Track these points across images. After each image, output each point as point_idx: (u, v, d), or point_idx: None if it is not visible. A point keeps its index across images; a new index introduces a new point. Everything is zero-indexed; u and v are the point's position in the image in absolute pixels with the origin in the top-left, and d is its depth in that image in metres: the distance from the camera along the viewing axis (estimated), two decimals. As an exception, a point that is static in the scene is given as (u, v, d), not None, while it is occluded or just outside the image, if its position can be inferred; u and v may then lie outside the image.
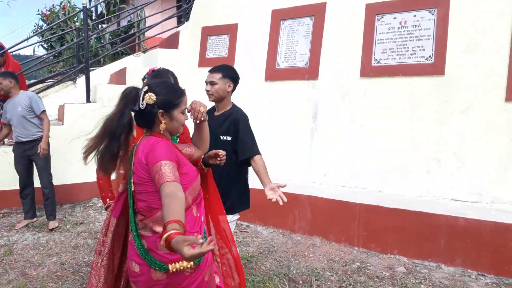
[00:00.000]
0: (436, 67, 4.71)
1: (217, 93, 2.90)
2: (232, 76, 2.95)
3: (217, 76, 2.87)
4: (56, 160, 5.35)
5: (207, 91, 2.92)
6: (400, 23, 4.97)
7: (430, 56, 4.75)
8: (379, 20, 5.12)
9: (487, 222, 3.78)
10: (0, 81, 4.90)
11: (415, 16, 4.89)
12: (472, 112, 4.55)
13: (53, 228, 4.94)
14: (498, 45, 4.49)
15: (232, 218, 2.86)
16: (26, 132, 4.92)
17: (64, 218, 5.40)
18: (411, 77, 4.85)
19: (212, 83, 2.88)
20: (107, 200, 2.65)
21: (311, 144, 5.48)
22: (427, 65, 4.76)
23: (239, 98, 6.27)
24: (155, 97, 1.85)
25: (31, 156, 4.98)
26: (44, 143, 4.89)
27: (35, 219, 5.18)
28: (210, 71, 2.94)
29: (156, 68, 2.81)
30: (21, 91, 5.10)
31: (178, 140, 2.41)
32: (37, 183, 5.07)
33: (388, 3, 5.10)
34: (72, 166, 5.70)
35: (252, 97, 6.07)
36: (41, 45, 11.04)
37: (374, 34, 5.13)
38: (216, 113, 2.99)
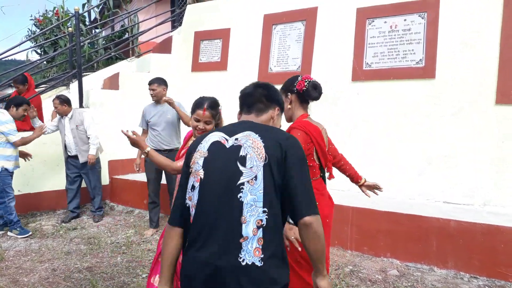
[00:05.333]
0: (426, 71, 4.74)
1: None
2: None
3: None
4: (50, 166, 5.34)
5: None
6: (391, 27, 5.01)
7: (420, 59, 4.79)
8: (370, 24, 5.16)
9: (479, 225, 3.80)
10: (155, 87, 4.88)
11: (405, 20, 4.93)
12: (463, 115, 4.59)
13: None
14: (488, 48, 4.54)
15: None
16: (169, 140, 4.94)
17: (57, 224, 5.37)
18: (402, 80, 4.89)
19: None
20: None
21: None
22: (418, 68, 4.80)
23: (232, 103, 6.29)
24: None
25: None
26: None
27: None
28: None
29: None
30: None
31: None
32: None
33: (378, 7, 5.14)
34: (65, 171, 5.67)
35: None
36: (35, 50, 11.00)
37: (365, 38, 5.17)
38: None
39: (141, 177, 5.44)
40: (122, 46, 10.09)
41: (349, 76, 5.27)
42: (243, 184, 1.47)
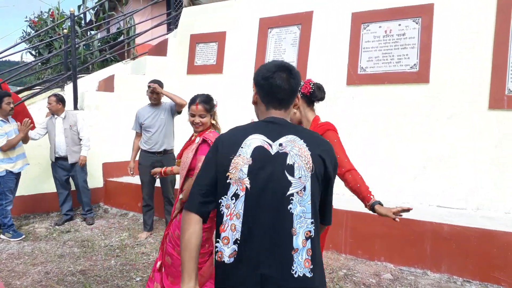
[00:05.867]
0: (421, 75, 4.78)
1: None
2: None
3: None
4: (43, 168, 5.31)
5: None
6: (386, 31, 5.04)
7: (415, 64, 4.82)
8: (364, 29, 5.20)
9: (473, 229, 3.82)
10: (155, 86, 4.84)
11: (400, 25, 4.96)
12: (457, 120, 4.62)
13: None
14: (481, 54, 4.58)
15: None
16: (163, 141, 4.93)
17: (50, 227, 5.33)
18: (396, 85, 4.92)
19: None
20: None
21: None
22: (412, 73, 4.83)
23: (228, 105, 6.31)
24: None
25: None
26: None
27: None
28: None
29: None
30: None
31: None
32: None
33: (373, 12, 5.18)
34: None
35: (240, 104, 6.10)
36: (29, 51, 10.96)
37: (360, 42, 5.20)
38: None
39: (135, 180, 5.43)
40: (118, 48, 10.07)
41: (344, 80, 5.29)
42: (292, 195, 1.44)
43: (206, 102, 2.90)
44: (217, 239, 1.49)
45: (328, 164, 1.52)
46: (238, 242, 1.44)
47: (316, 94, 2.55)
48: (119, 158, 6.36)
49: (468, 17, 4.69)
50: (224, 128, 6.91)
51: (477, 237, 3.77)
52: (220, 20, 6.76)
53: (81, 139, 5.39)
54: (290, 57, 5.80)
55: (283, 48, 5.90)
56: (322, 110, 5.37)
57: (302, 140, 1.51)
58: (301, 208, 1.44)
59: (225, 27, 6.65)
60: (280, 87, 1.57)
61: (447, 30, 4.77)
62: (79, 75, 7.77)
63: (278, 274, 1.41)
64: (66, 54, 7.93)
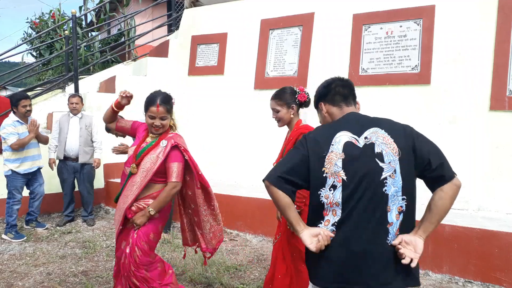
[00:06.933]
0: (422, 77, 4.79)
1: None
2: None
3: None
4: (44, 169, 5.31)
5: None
6: (387, 33, 5.05)
7: (416, 65, 4.83)
8: (366, 30, 5.21)
9: (474, 230, 3.83)
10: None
11: (401, 26, 4.98)
12: (458, 120, 4.63)
13: None
14: (482, 55, 4.59)
15: None
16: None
17: (52, 227, 5.34)
18: (398, 86, 4.92)
19: None
20: None
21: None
22: (414, 74, 4.84)
23: (229, 107, 6.32)
24: None
25: None
26: None
27: None
28: None
29: None
30: None
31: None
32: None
33: (374, 13, 5.19)
34: (60, 175, 5.64)
35: (241, 105, 6.11)
36: (30, 53, 10.98)
37: (361, 44, 5.21)
38: None
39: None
40: (119, 50, 10.09)
41: (345, 82, 5.30)
42: (386, 178, 1.69)
43: (167, 103, 2.67)
44: (320, 221, 1.76)
45: (412, 142, 1.75)
46: (336, 224, 1.72)
47: (308, 103, 2.85)
48: (120, 159, 6.35)
49: (469, 18, 4.70)
50: (225, 128, 6.90)
51: (478, 238, 3.77)
52: (221, 22, 6.77)
53: (94, 142, 5.45)
54: (292, 58, 5.81)
55: (284, 49, 5.91)
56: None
57: (383, 130, 1.76)
58: (394, 189, 1.69)
59: (226, 29, 6.66)
60: (344, 84, 1.99)
61: (448, 31, 4.78)
62: (80, 76, 7.79)
63: (376, 247, 1.68)
64: (67, 55, 7.96)
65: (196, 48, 6.97)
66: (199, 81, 6.86)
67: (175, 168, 2.69)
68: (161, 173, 2.72)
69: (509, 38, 4.46)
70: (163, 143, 2.70)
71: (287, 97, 2.84)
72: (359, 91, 5.57)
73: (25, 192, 5.12)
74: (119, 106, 2.76)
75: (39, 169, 5.14)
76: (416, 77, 4.83)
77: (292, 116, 2.84)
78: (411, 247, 1.69)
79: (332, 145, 1.75)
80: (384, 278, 1.69)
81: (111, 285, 3.66)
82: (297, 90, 2.86)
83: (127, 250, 2.71)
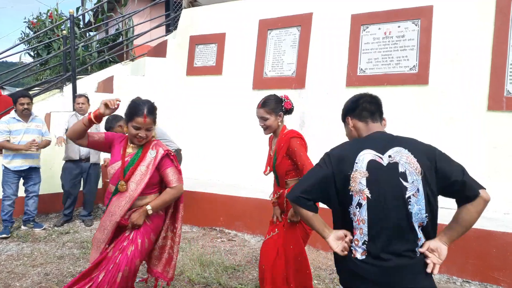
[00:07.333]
0: (420, 77, 4.80)
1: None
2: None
3: None
4: (42, 169, 5.30)
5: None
6: (385, 33, 5.06)
7: (414, 66, 4.84)
8: (364, 31, 5.22)
9: (472, 229, 3.78)
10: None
11: (399, 27, 4.99)
12: (456, 121, 4.64)
13: None
14: (480, 55, 4.60)
15: None
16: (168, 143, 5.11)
17: (50, 228, 5.32)
18: (396, 86, 4.93)
19: None
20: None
21: (299, 152, 5.52)
22: (412, 74, 4.85)
23: (227, 107, 6.32)
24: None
25: None
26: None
27: None
28: None
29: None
30: None
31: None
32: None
33: (373, 14, 5.20)
34: (58, 175, 5.63)
35: (239, 105, 6.11)
36: (28, 53, 10.96)
37: (359, 44, 5.22)
38: None
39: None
40: (117, 50, 10.07)
41: (343, 82, 5.31)
42: (410, 197, 1.74)
43: (153, 113, 2.51)
44: (353, 241, 1.83)
45: (434, 162, 1.78)
46: (366, 243, 1.78)
47: (292, 109, 2.98)
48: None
49: (467, 19, 4.71)
50: (223, 128, 6.87)
51: (476, 238, 3.78)
52: (219, 22, 6.77)
53: None
54: (290, 59, 5.81)
55: (282, 49, 5.92)
56: (322, 112, 5.41)
57: (406, 150, 1.81)
58: (418, 207, 1.74)
59: (224, 29, 6.66)
60: (371, 101, 2.03)
61: (446, 32, 4.79)
62: (78, 76, 7.77)
63: (406, 260, 1.75)
64: (65, 55, 7.93)
65: (194, 48, 6.97)
66: (197, 81, 6.86)
67: (172, 173, 2.61)
68: (153, 184, 2.62)
69: (507, 39, 4.48)
70: (152, 153, 2.57)
71: (274, 105, 2.91)
72: (358, 91, 5.57)
73: (22, 193, 5.13)
74: (99, 118, 2.47)
75: (35, 168, 5.15)
76: (414, 78, 4.84)
77: (279, 123, 2.93)
78: (436, 253, 1.78)
79: (356, 163, 1.81)
80: (418, 285, 1.76)
81: (109, 286, 3.65)
82: (283, 98, 2.94)
83: (132, 247, 2.53)
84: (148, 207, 2.58)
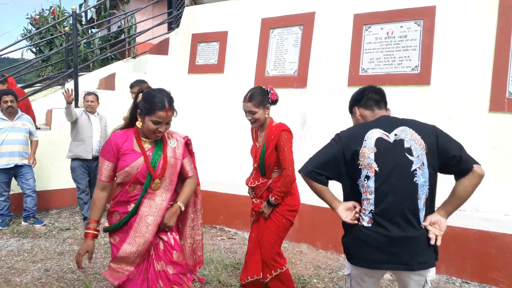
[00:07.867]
0: (422, 77, 4.79)
1: None
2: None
3: None
4: (43, 165, 5.31)
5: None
6: (387, 33, 5.06)
7: (416, 66, 4.84)
8: (366, 30, 5.21)
9: (471, 230, 3.84)
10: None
11: (401, 27, 4.98)
12: (458, 121, 4.64)
13: None
14: (482, 56, 4.59)
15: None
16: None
17: (50, 224, 5.34)
18: (398, 86, 4.93)
19: None
20: None
21: (299, 151, 5.51)
22: (414, 75, 4.85)
23: (229, 105, 6.32)
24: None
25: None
26: None
27: None
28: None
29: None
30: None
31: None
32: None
33: (375, 14, 5.19)
34: (59, 171, 5.64)
35: (241, 104, 6.10)
36: (30, 49, 10.97)
37: (361, 44, 5.22)
38: None
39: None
40: (119, 47, 10.08)
41: (345, 81, 5.30)
42: (415, 170, 1.91)
43: (173, 105, 2.25)
44: (361, 210, 1.99)
45: (436, 139, 1.99)
46: (372, 212, 1.95)
47: (277, 100, 3.02)
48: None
49: (470, 19, 4.70)
50: (225, 127, 6.87)
51: (476, 239, 3.78)
52: (222, 20, 6.77)
53: None
54: (292, 58, 5.81)
55: (284, 48, 5.92)
56: (324, 112, 5.40)
57: (411, 128, 1.99)
58: (423, 179, 1.92)
59: (227, 27, 6.66)
60: (377, 91, 2.21)
61: (448, 32, 4.79)
62: (80, 73, 7.78)
63: (412, 231, 1.90)
64: (67, 52, 7.95)
65: (197, 46, 6.97)
66: (199, 79, 6.86)
67: (188, 162, 2.43)
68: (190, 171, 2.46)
69: (509, 40, 4.47)
70: (172, 143, 2.35)
71: (261, 98, 2.94)
72: (359, 91, 5.51)
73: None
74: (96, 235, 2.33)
75: (25, 165, 5.18)
76: (416, 78, 4.83)
77: (267, 116, 2.98)
78: (437, 226, 1.94)
79: (365, 140, 1.98)
80: (422, 258, 1.93)
81: (108, 282, 3.66)
82: (268, 90, 2.97)
83: (172, 242, 2.35)
84: (180, 203, 2.34)
